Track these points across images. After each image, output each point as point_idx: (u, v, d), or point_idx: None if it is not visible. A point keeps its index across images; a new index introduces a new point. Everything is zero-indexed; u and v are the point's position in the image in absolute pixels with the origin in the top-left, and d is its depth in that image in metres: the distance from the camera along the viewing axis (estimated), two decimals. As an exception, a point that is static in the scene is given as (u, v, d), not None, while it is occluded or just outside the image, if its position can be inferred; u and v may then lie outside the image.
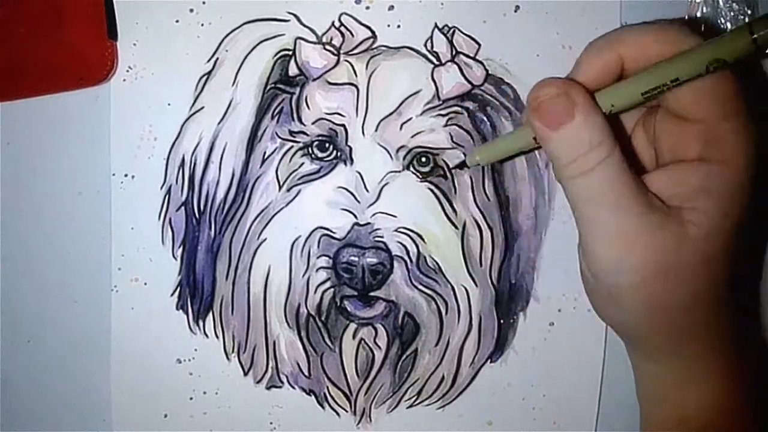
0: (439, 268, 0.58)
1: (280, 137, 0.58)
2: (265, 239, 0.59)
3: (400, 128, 0.58)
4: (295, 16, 0.58)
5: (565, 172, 0.45)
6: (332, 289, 0.58)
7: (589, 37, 0.56)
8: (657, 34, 0.46)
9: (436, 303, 0.59)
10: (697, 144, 0.46)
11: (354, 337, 0.60)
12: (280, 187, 0.58)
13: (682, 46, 0.44)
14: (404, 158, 0.58)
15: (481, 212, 0.59)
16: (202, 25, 0.59)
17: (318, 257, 0.58)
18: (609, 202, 0.45)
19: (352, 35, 0.58)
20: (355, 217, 0.58)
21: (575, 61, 0.48)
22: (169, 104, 0.59)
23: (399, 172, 0.58)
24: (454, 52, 0.58)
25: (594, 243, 0.46)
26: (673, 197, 0.46)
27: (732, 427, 0.49)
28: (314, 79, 0.58)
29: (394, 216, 0.58)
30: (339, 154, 0.58)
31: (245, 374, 0.61)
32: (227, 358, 0.61)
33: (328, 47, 0.58)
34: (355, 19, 0.58)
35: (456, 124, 0.58)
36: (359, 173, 0.58)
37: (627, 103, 0.46)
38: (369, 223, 0.57)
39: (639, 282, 0.46)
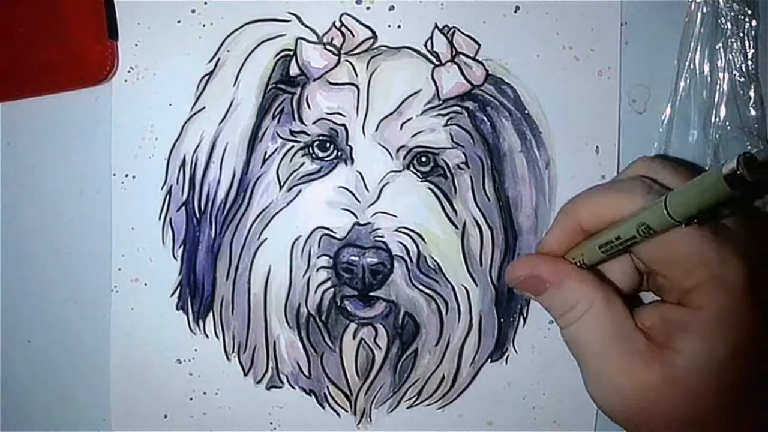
0: (440, 267, 0.58)
1: (280, 137, 0.58)
2: (266, 239, 0.59)
3: (401, 128, 0.58)
4: (296, 16, 0.58)
5: (557, 323, 0.51)
6: (332, 289, 0.58)
7: (589, 38, 0.58)
8: (607, 199, 0.50)
9: (437, 303, 0.59)
10: (672, 292, 0.49)
11: (354, 337, 0.60)
12: (281, 187, 0.59)
13: (630, 208, 0.47)
14: (404, 158, 0.58)
15: (481, 212, 0.59)
16: (204, 25, 0.59)
17: (318, 257, 0.58)
18: (589, 350, 0.50)
19: (353, 35, 0.58)
20: (356, 216, 0.58)
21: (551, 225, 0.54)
22: (170, 104, 0.59)
23: (399, 171, 0.58)
24: (454, 53, 0.58)
25: (586, 385, 0.50)
26: (660, 334, 0.48)
27: None
28: (315, 79, 0.58)
29: (395, 216, 0.58)
30: (339, 153, 0.58)
31: (245, 374, 0.61)
32: (227, 358, 0.61)
33: (328, 47, 0.58)
34: (356, 20, 0.58)
35: (456, 124, 0.58)
36: (360, 173, 0.58)
37: (593, 259, 0.50)
38: (369, 223, 0.57)
39: (624, 417, 0.49)
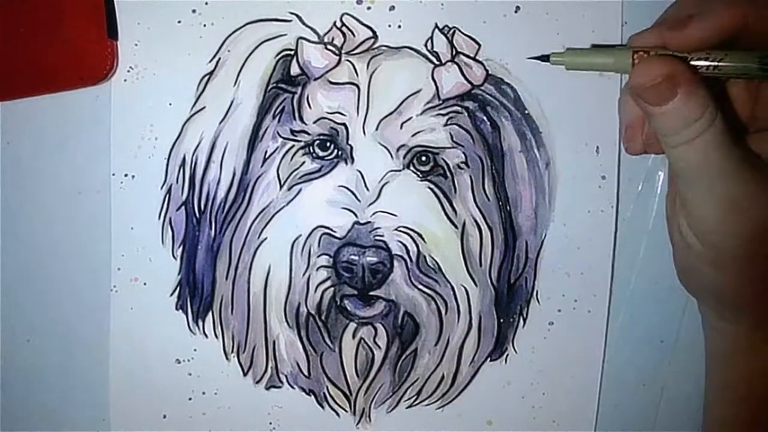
0: (439, 267, 0.58)
1: (281, 136, 0.59)
2: (266, 238, 0.59)
3: (401, 127, 0.58)
4: (297, 16, 0.58)
5: (667, 141, 0.47)
6: (332, 288, 0.58)
7: (589, 38, 0.58)
8: None
9: (436, 302, 0.59)
10: None
11: (354, 336, 0.60)
12: (281, 186, 0.59)
13: None
14: (404, 157, 0.58)
15: (481, 212, 0.59)
16: (204, 25, 0.59)
17: (318, 256, 0.58)
18: (712, 168, 0.46)
19: (354, 35, 0.58)
20: (356, 215, 0.58)
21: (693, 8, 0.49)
22: (170, 104, 0.59)
23: (399, 171, 0.58)
24: (454, 52, 0.58)
25: (700, 206, 0.48)
26: None
27: None
28: (316, 79, 0.58)
29: (395, 215, 0.58)
30: (340, 152, 0.58)
31: (245, 374, 0.61)
32: (227, 358, 0.61)
33: (329, 47, 0.58)
34: (357, 20, 0.58)
35: (456, 124, 0.58)
36: (360, 172, 0.58)
37: (740, 73, 0.47)
38: (369, 222, 0.57)
39: (742, 243, 0.47)
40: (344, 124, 0.58)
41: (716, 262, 0.49)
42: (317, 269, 0.58)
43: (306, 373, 0.61)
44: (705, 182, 0.47)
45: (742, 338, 0.52)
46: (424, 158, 0.58)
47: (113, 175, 0.60)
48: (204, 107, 0.59)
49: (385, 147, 0.58)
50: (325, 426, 0.61)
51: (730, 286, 0.50)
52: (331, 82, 0.58)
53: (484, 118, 0.58)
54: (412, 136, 0.58)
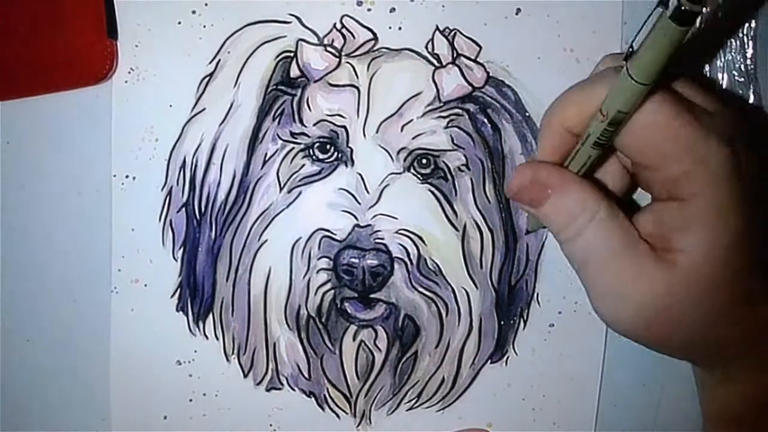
0: (440, 270, 0.58)
1: (281, 138, 0.58)
2: (266, 240, 0.59)
3: (401, 130, 0.58)
4: (296, 18, 0.58)
5: (556, 237, 0.50)
6: (332, 291, 0.58)
7: (590, 40, 0.58)
8: (586, 93, 0.49)
9: (437, 305, 0.59)
10: (662, 186, 0.47)
11: (354, 339, 0.60)
12: (281, 189, 0.58)
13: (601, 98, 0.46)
14: (405, 160, 0.58)
15: (482, 214, 0.59)
16: (204, 26, 0.58)
17: (318, 259, 0.58)
18: (597, 261, 0.48)
19: (354, 37, 0.58)
20: (356, 218, 0.58)
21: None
22: (170, 105, 0.59)
23: (400, 173, 0.58)
24: (455, 54, 0.58)
25: (593, 300, 0.49)
26: (658, 238, 0.47)
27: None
28: (315, 81, 0.58)
29: (395, 218, 0.58)
30: (340, 155, 0.58)
31: (245, 376, 0.61)
32: (227, 359, 0.61)
33: (329, 49, 0.58)
34: (357, 21, 0.58)
35: (457, 126, 0.58)
36: (360, 175, 0.58)
37: (587, 160, 0.49)
38: (369, 225, 0.57)
39: (637, 330, 0.49)
40: (344, 127, 0.58)
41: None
42: (317, 272, 0.58)
43: (306, 375, 0.61)
44: (592, 276, 0.48)
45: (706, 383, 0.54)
46: (424, 161, 0.58)
47: (114, 176, 0.60)
48: (204, 109, 0.59)
49: (386, 149, 0.58)
50: (326, 428, 0.61)
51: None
52: (331, 84, 0.58)
53: (485, 120, 0.58)
54: (413, 138, 0.58)
